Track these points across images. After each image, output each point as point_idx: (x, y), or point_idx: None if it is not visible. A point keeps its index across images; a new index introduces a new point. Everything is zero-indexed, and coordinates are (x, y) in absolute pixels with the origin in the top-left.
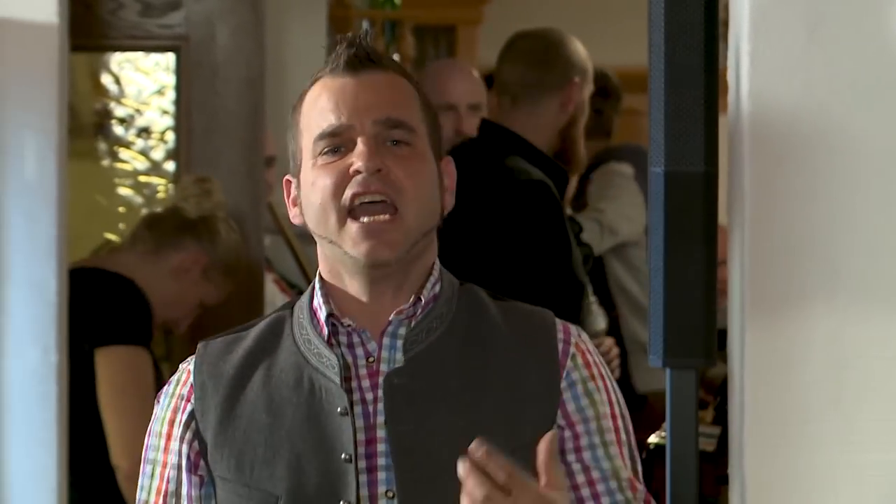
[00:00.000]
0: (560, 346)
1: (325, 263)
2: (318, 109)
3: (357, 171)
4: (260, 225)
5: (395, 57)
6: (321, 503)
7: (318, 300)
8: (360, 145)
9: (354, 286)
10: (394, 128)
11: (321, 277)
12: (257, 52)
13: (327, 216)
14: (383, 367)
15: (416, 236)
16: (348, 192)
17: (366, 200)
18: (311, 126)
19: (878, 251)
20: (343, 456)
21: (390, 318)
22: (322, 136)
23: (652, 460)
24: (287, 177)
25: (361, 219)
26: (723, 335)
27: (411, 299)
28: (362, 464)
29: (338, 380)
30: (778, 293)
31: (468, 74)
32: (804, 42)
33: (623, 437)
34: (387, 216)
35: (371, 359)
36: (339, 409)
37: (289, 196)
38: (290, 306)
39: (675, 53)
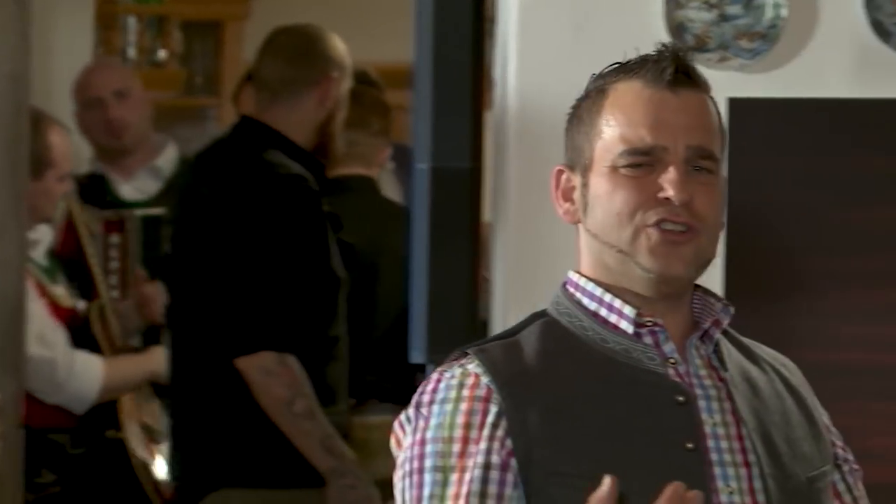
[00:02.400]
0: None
1: (603, 270)
2: (631, 120)
3: (667, 199)
4: (21, 224)
5: (162, 53)
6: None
7: (606, 301)
8: (673, 172)
9: (635, 294)
10: (703, 158)
11: (593, 281)
12: (22, 48)
13: (622, 230)
14: (690, 370)
15: (705, 261)
16: (652, 216)
17: (668, 228)
18: (618, 135)
19: None
20: (688, 445)
21: (703, 325)
22: (633, 153)
23: None
24: (560, 167)
25: (662, 228)
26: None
27: (712, 319)
28: (705, 456)
29: (662, 371)
30: (541, 288)
31: (107, 64)
32: (570, 40)
33: None
34: (684, 237)
35: (672, 360)
36: (677, 399)
37: (558, 187)
38: (542, 315)
39: (442, 50)
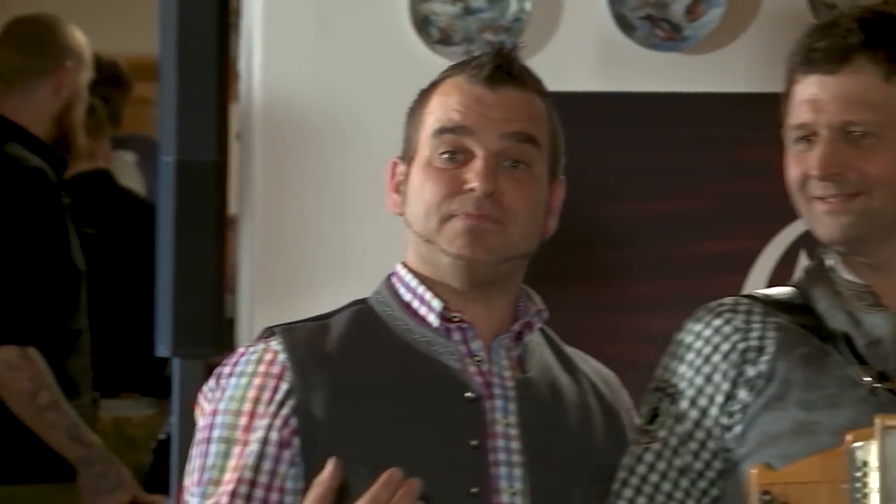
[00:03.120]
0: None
1: (420, 261)
2: (446, 106)
3: (471, 190)
4: None
5: None
6: (443, 487)
7: (419, 293)
8: (479, 164)
9: (449, 287)
10: (521, 142)
11: (413, 272)
12: None
13: (428, 220)
14: (494, 369)
15: (513, 253)
16: (457, 206)
17: (471, 216)
18: (434, 120)
19: (388, 240)
20: (472, 443)
21: (514, 328)
22: (442, 131)
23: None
24: (395, 158)
25: (466, 220)
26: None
27: (523, 322)
28: (489, 455)
29: (458, 367)
30: (288, 282)
31: None
32: (316, 33)
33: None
34: (490, 224)
35: (477, 358)
36: (467, 396)
37: (392, 178)
38: (360, 303)
39: (187, 43)
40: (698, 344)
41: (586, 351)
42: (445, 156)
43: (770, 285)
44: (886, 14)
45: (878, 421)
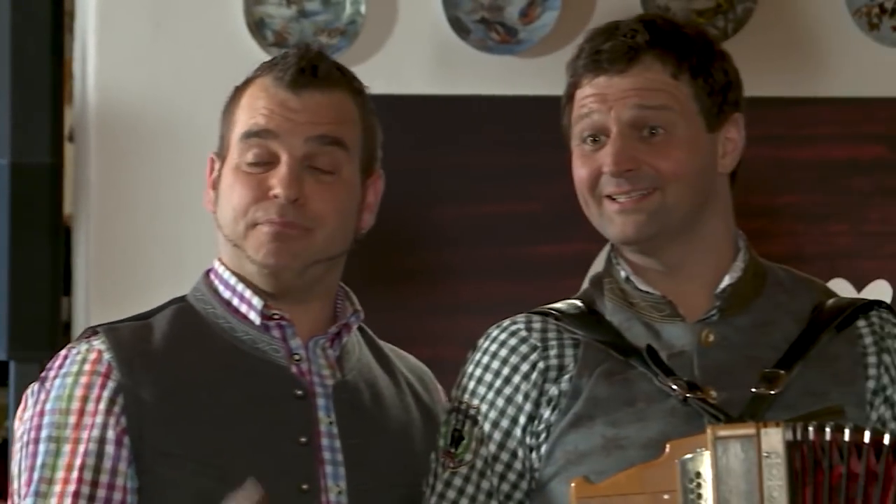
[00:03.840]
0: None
1: (231, 263)
2: (252, 110)
3: (275, 197)
4: None
5: None
6: (275, 484)
7: (238, 291)
8: (283, 170)
9: (258, 288)
10: (327, 145)
11: (230, 270)
12: None
13: (235, 226)
14: (313, 368)
15: (321, 257)
16: (261, 213)
17: (275, 223)
18: (241, 123)
19: None
20: (302, 440)
21: (331, 330)
22: (248, 135)
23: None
24: (213, 154)
25: (263, 228)
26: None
27: (341, 323)
28: (317, 453)
29: (285, 365)
30: (124, 284)
31: None
32: (151, 35)
33: None
34: (295, 231)
35: (296, 356)
36: (296, 394)
37: (210, 173)
38: (180, 301)
39: (20, 44)
40: (495, 364)
41: (420, 353)
42: (252, 160)
43: None
44: (670, 20)
45: (709, 431)
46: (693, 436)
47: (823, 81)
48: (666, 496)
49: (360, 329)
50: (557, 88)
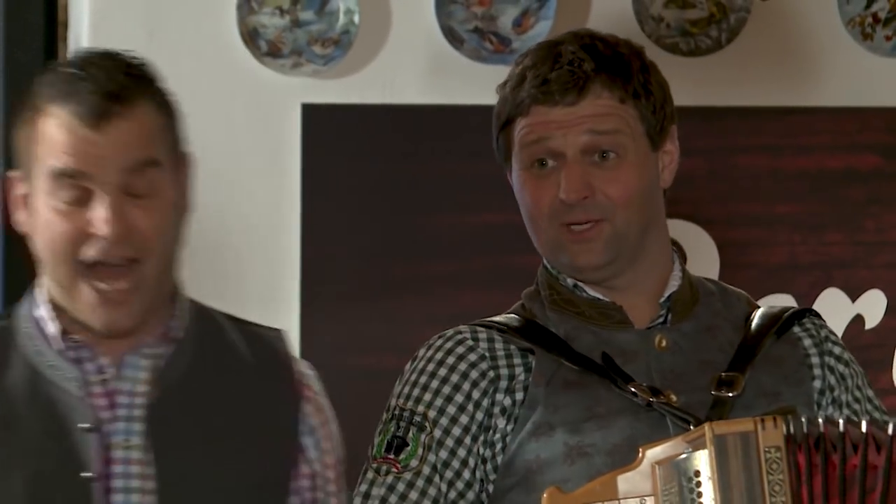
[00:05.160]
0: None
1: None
2: (56, 147)
3: (99, 235)
4: None
5: None
6: None
7: (43, 312)
8: (99, 208)
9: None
10: (142, 168)
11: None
12: None
13: (57, 267)
14: (123, 386)
15: (155, 290)
16: (86, 253)
17: (101, 269)
18: (45, 155)
19: (219, 252)
20: (86, 474)
21: (145, 344)
22: (58, 174)
23: None
24: (13, 174)
25: (98, 285)
26: None
27: (159, 336)
28: (109, 484)
29: (80, 393)
30: None
31: None
32: (144, 44)
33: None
34: (125, 283)
35: (100, 378)
36: (82, 425)
37: (13, 194)
38: (7, 316)
39: (14, 53)
40: (442, 371)
41: (394, 367)
42: (66, 199)
43: None
44: (604, 39)
45: (707, 429)
46: (665, 439)
47: (818, 91)
48: (642, 502)
49: (207, 314)
50: None
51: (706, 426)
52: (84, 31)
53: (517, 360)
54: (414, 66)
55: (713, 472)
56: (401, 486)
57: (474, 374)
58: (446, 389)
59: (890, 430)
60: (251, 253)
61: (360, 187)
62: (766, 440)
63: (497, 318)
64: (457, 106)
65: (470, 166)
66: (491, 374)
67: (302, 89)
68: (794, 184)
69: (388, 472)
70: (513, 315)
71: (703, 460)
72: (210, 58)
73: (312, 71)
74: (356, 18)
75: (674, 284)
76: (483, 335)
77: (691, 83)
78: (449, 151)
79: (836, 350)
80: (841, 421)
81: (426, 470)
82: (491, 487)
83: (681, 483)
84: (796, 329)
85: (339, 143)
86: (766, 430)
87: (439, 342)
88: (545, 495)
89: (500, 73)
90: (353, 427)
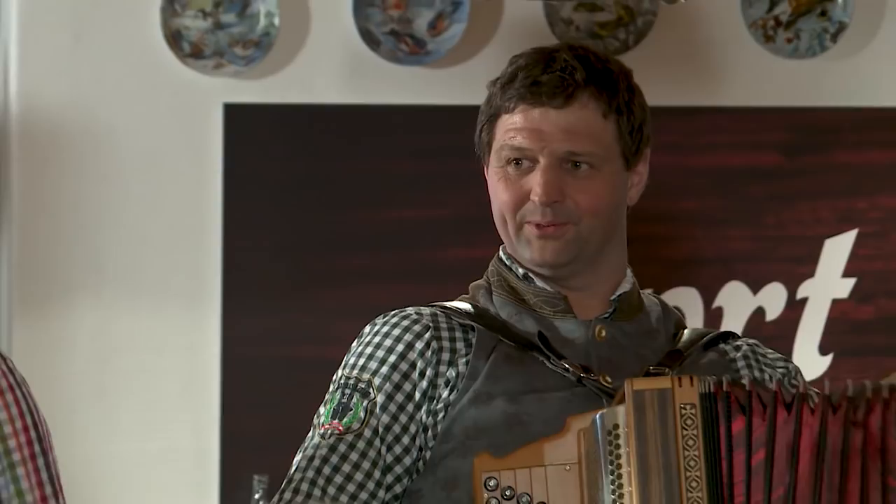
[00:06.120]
0: None
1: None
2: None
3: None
4: None
5: None
6: None
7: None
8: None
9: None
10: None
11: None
12: None
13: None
14: None
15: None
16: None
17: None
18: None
19: (143, 247)
20: None
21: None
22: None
23: None
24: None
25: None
26: None
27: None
28: None
29: None
30: (45, 289)
31: None
32: (71, 46)
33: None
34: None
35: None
36: None
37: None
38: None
39: None
40: (388, 342)
41: (332, 354)
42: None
43: None
44: (597, 54)
45: (627, 384)
46: (592, 411)
47: (721, 91)
48: (567, 468)
49: None
50: (465, 98)
51: (626, 382)
52: (13, 34)
53: (459, 335)
54: (332, 67)
55: (631, 425)
56: (342, 447)
57: (419, 345)
58: (391, 358)
59: (801, 389)
60: (175, 248)
61: (279, 184)
62: (682, 397)
63: (440, 302)
64: (373, 106)
65: (386, 164)
66: (435, 344)
67: (224, 89)
68: (697, 181)
69: (331, 435)
70: (457, 301)
71: (621, 414)
72: (135, 59)
73: (234, 72)
74: (276, 21)
75: (625, 286)
76: (427, 311)
77: None
78: (366, 150)
79: (770, 354)
80: (745, 382)
81: (367, 433)
82: (428, 454)
83: (601, 439)
84: (724, 346)
85: (259, 142)
86: (682, 387)
87: (385, 318)
88: (475, 460)
89: (416, 73)
90: (274, 414)
